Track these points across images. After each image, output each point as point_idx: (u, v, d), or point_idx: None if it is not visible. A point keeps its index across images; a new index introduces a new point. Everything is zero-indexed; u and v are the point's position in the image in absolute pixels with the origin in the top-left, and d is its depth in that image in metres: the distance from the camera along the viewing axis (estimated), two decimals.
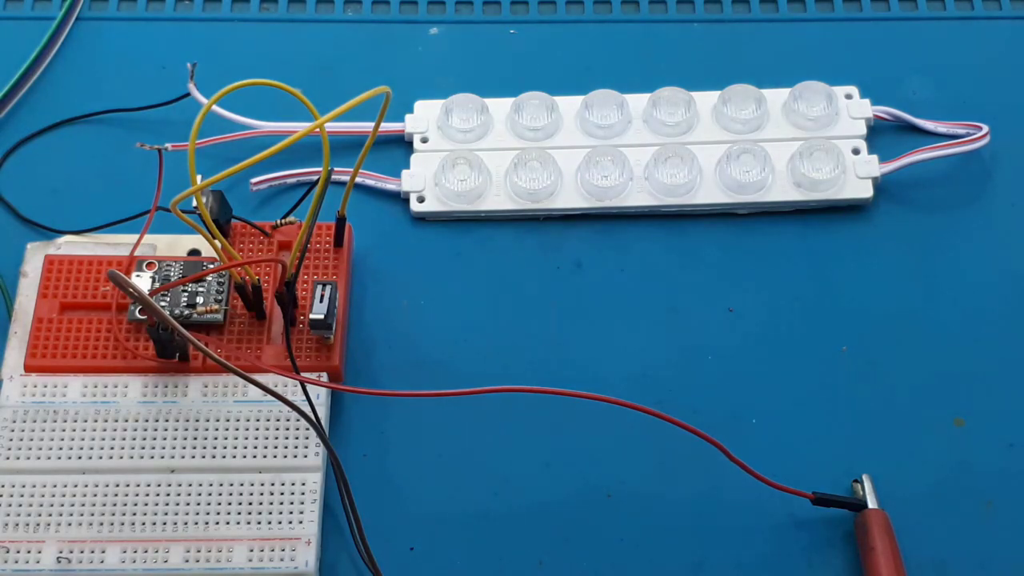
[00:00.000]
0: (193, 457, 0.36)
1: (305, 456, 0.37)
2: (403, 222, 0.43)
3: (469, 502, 0.37)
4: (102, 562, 0.35)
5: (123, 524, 0.35)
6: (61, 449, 0.36)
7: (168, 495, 0.36)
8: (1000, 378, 0.40)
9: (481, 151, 0.43)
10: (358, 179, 0.43)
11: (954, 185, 0.44)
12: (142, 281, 0.39)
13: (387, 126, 0.44)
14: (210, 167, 0.41)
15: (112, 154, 0.44)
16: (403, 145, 0.45)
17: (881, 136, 0.45)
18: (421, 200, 0.43)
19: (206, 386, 0.38)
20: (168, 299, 0.38)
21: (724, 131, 0.44)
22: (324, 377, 0.38)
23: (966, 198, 0.44)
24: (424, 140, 0.44)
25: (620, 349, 0.40)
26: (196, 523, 0.35)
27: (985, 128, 0.44)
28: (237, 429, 0.37)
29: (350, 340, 0.40)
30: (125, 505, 0.36)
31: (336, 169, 0.39)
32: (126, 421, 0.37)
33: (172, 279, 0.39)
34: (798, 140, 0.44)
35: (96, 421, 0.37)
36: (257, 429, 0.37)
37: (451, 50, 0.47)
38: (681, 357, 0.40)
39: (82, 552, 0.35)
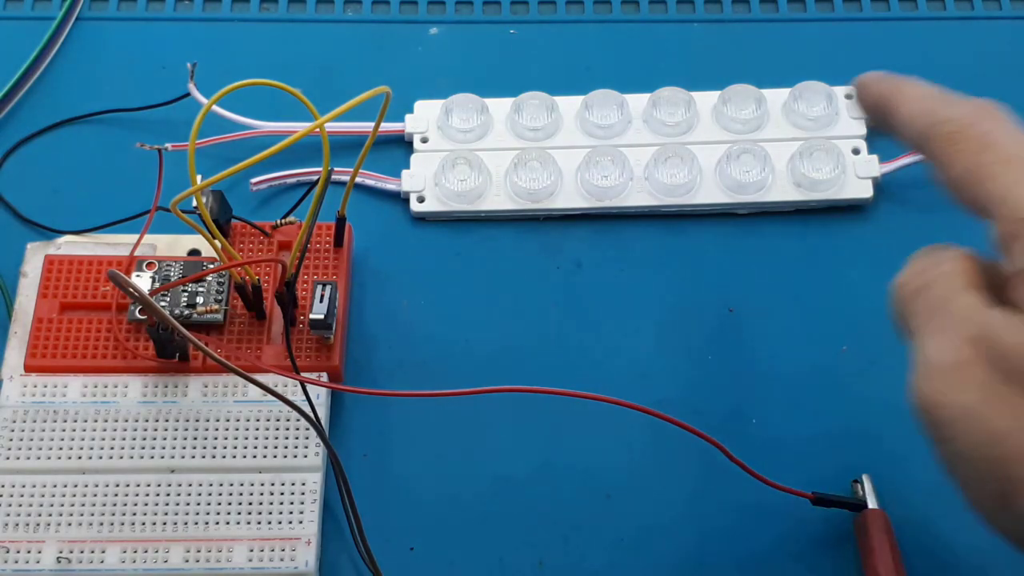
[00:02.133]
0: (193, 457, 0.36)
1: (305, 456, 0.37)
2: (403, 222, 0.43)
3: (469, 502, 0.37)
4: (102, 562, 0.35)
5: (123, 524, 0.35)
6: (61, 449, 0.36)
7: (168, 495, 0.36)
8: None
9: (481, 151, 0.43)
10: (358, 179, 0.43)
11: None
12: (142, 281, 0.39)
13: (387, 126, 0.44)
14: (210, 167, 0.41)
15: (112, 154, 0.44)
16: (403, 145, 0.45)
17: (881, 136, 0.45)
18: (421, 200, 0.43)
19: (206, 386, 0.38)
20: (168, 299, 0.38)
21: (724, 131, 0.44)
22: (324, 377, 0.38)
23: None
24: (424, 140, 0.44)
25: (620, 349, 0.40)
26: (196, 523, 0.35)
27: None
28: (237, 429, 0.37)
29: (350, 340, 0.40)
30: (125, 505, 0.36)
31: (336, 169, 0.39)
32: (126, 421, 0.37)
33: (172, 279, 0.39)
34: (798, 140, 0.44)
35: (96, 421, 0.37)
36: (257, 429, 0.37)
37: (451, 50, 0.47)
38: (681, 357, 0.40)
39: (82, 552, 0.35)
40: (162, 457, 0.36)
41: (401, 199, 0.43)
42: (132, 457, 0.36)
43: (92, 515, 0.36)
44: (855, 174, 0.43)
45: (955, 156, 0.28)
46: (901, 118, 0.31)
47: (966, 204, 0.28)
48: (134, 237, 0.40)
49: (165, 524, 0.35)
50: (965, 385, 0.25)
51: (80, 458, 0.36)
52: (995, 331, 0.25)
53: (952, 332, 0.26)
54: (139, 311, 0.38)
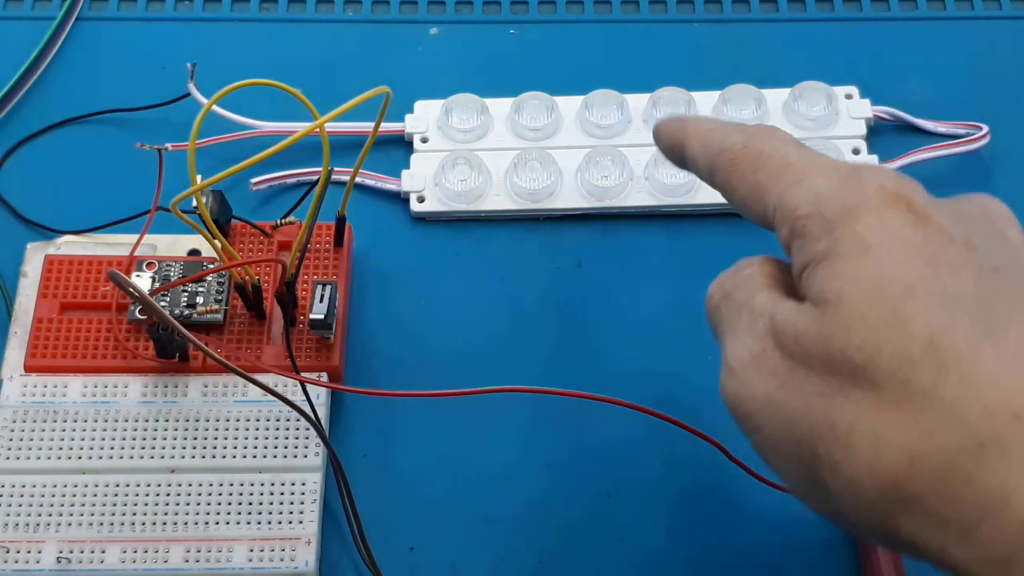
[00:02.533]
0: (193, 457, 0.36)
1: (305, 456, 0.37)
2: (403, 222, 0.43)
3: (469, 502, 0.37)
4: (102, 562, 0.35)
5: (123, 524, 0.35)
6: (61, 449, 0.36)
7: (168, 495, 0.36)
8: None
9: (481, 151, 0.43)
10: (358, 179, 0.43)
11: (954, 185, 0.44)
12: (142, 281, 0.39)
13: (387, 126, 0.44)
14: (210, 167, 0.41)
15: (112, 154, 0.44)
16: (403, 145, 0.45)
17: (881, 136, 0.45)
18: (421, 200, 0.43)
19: (206, 386, 0.38)
20: (168, 299, 0.38)
21: None
22: (324, 377, 0.38)
23: None
24: (424, 140, 0.44)
25: (620, 349, 0.40)
26: (196, 523, 0.35)
27: (985, 128, 0.44)
28: (237, 429, 0.37)
29: (350, 340, 0.40)
30: (125, 505, 0.36)
31: (336, 169, 0.39)
32: (126, 421, 0.37)
33: (172, 279, 0.39)
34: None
35: (96, 421, 0.37)
36: (257, 429, 0.37)
37: (451, 50, 0.47)
38: (681, 357, 0.40)
39: (82, 552, 0.35)
40: (162, 457, 0.36)
41: (401, 199, 0.43)
42: (132, 457, 0.36)
43: (92, 515, 0.36)
44: None
45: (735, 181, 0.29)
46: (689, 157, 0.32)
47: (756, 222, 0.29)
48: (134, 237, 0.40)
49: (165, 524, 0.35)
50: (763, 376, 0.26)
51: (80, 458, 0.36)
52: (784, 320, 0.26)
53: (749, 328, 0.27)
54: (139, 311, 0.38)
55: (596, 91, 0.44)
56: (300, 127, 0.33)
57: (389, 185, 0.43)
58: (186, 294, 0.38)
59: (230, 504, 0.36)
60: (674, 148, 0.33)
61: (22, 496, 0.36)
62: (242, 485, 0.36)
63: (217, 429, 0.37)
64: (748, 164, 0.29)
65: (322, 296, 0.37)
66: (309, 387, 0.37)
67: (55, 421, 0.37)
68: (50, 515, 0.35)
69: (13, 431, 0.37)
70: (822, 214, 0.26)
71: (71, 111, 0.45)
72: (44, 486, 0.36)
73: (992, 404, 0.23)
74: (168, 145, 0.40)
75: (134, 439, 0.37)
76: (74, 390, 0.37)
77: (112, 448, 0.37)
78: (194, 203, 0.33)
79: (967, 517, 0.23)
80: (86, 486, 0.36)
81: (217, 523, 0.36)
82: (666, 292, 0.41)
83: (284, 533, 0.35)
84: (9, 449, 0.36)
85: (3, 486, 0.36)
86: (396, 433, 0.39)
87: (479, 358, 0.40)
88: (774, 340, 0.26)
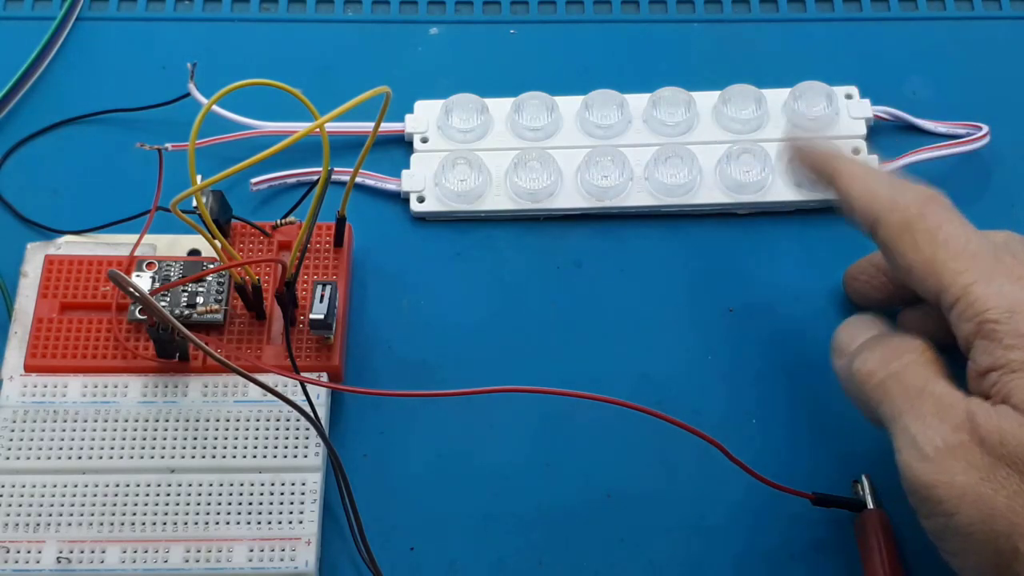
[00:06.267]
0: (193, 457, 0.36)
1: (305, 456, 0.37)
2: (403, 222, 0.43)
3: (469, 502, 0.37)
4: (102, 562, 0.35)
5: (123, 524, 0.35)
6: (61, 449, 0.36)
7: (168, 495, 0.36)
8: None
9: (481, 151, 0.43)
10: (358, 179, 0.43)
11: (954, 185, 0.43)
12: (142, 281, 0.39)
13: (387, 126, 0.44)
14: (210, 167, 0.41)
15: (112, 154, 0.44)
16: (403, 145, 0.45)
17: (881, 136, 0.45)
18: (421, 200, 0.43)
19: (206, 386, 0.38)
20: (168, 299, 0.38)
21: (724, 131, 0.44)
22: (324, 377, 0.38)
23: (966, 198, 0.43)
24: (424, 140, 0.44)
25: (620, 349, 0.40)
26: (196, 523, 0.35)
27: (985, 128, 0.44)
28: (237, 429, 0.37)
29: (350, 340, 0.40)
30: (125, 505, 0.36)
31: (336, 169, 0.39)
32: (126, 421, 0.37)
33: (172, 279, 0.39)
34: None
35: (96, 421, 0.37)
36: (257, 429, 0.37)
37: (451, 50, 0.47)
38: (681, 357, 0.40)
39: (82, 552, 0.35)
40: (162, 457, 0.36)
41: (401, 199, 0.43)
42: (132, 457, 0.36)
43: (92, 515, 0.36)
44: None
45: (906, 246, 0.31)
46: (844, 194, 0.33)
47: (919, 291, 0.31)
48: (134, 237, 0.40)
49: (165, 524, 0.35)
50: (962, 466, 0.28)
51: (80, 458, 0.36)
52: (987, 421, 0.29)
53: (939, 418, 0.29)
54: (139, 311, 0.38)
55: (596, 91, 0.44)
56: (300, 127, 0.33)
57: (389, 185, 0.43)
58: (186, 294, 0.38)
59: (230, 504, 0.36)
60: (821, 175, 0.34)
61: (22, 496, 0.36)
62: (242, 485, 0.36)
63: (217, 429, 0.37)
64: (924, 235, 0.31)
65: (322, 296, 0.37)
66: (309, 387, 0.37)
67: (55, 421, 0.37)
68: (50, 515, 0.36)
69: (13, 431, 0.37)
70: (1017, 327, 0.28)
71: (71, 111, 0.45)
72: (44, 486, 0.36)
73: None
74: (168, 145, 0.40)
75: (134, 439, 0.37)
76: (74, 390, 0.37)
77: (112, 448, 0.37)
78: (194, 203, 0.33)
79: None
80: (86, 486, 0.36)
81: (217, 523, 0.36)
82: (666, 292, 0.41)
83: (284, 533, 0.35)
84: (9, 449, 0.36)
85: (3, 486, 0.36)
86: (396, 433, 0.39)
87: (479, 358, 0.40)
88: (972, 435, 0.28)
